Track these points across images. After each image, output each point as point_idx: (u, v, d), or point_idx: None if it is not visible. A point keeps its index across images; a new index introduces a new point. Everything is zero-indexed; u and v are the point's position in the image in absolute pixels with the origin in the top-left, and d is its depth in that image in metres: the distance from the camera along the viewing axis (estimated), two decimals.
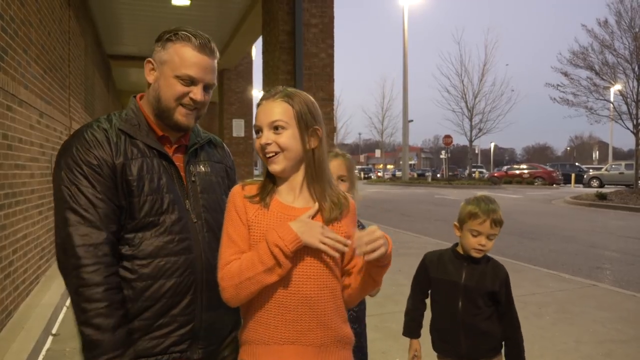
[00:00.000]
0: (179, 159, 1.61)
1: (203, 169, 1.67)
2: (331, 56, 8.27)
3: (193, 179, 1.62)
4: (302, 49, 7.91)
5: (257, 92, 24.23)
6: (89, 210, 1.43)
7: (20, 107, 4.49)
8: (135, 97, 1.66)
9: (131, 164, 1.50)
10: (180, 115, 1.56)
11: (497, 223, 2.13)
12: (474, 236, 2.14)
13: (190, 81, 1.54)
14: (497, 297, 2.20)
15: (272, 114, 1.43)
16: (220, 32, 12.44)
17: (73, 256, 1.41)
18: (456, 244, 2.30)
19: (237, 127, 16.42)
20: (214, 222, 1.61)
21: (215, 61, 1.62)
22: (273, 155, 1.43)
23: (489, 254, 2.25)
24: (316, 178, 1.47)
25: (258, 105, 1.49)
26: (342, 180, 2.11)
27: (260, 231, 1.42)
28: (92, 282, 1.39)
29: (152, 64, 1.59)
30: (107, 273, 1.42)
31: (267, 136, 1.43)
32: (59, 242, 1.44)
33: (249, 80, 16.59)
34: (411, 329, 2.34)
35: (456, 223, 2.25)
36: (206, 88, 1.59)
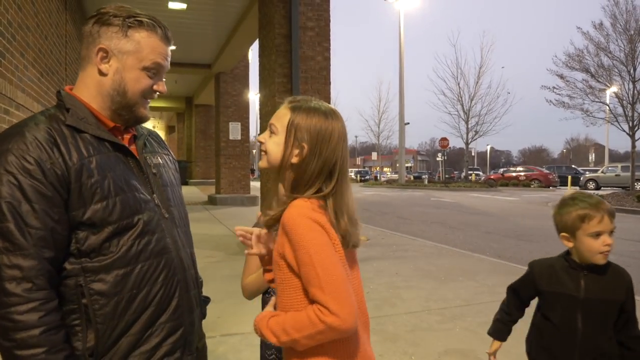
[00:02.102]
0: (134, 151, 1.46)
1: (159, 160, 1.56)
2: (327, 59, 8.30)
3: (154, 170, 1.50)
4: (298, 52, 7.93)
5: (253, 95, 24.27)
6: (22, 233, 1.19)
7: (17, 110, 4.49)
8: (61, 90, 1.45)
9: (90, 164, 1.30)
10: (143, 109, 1.46)
11: (613, 214, 1.91)
12: (597, 238, 1.89)
13: (155, 72, 1.44)
14: (625, 307, 1.96)
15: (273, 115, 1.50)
16: (217, 35, 12.47)
17: (1, 292, 1.17)
18: (567, 252, 2.06)
19: (234, 130, 16.43)
20: (180, 216, 1.54)
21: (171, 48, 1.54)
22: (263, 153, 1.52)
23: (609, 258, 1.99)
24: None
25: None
26: None
27: None
28: (26, 324, 1.17)
29: (107, 52, 1.38)
30: (44, 312, 1.19)
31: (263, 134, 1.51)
32: None
33: (245, 84, 16.61)
34: (500, 332, 2.27)
35: (564, 234, 2.01)
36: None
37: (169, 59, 1.50)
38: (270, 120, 1.48)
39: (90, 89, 1.41)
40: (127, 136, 1.48)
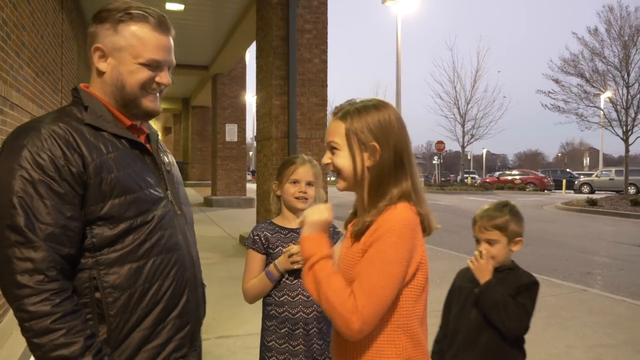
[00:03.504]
0: (150, 148, 1.48)
1: (168, 159, 1.58)
2: (325, 62, 8.31)
3: (167, 168, 1.52)
4: (295, 55, 7.94)
5: (250, 97, 24.26)
6: (33, 228, 1.19)
7: (12, 110, 4.47)
8: (78, 88, 1.45)
9: (109, 160, 1.31)
10: (148, 102, 1.43)
11: (492, 225, 2.04)
12: (478, 245, 2.12)
13: (156, 65, 1.41)
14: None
15: (327, 133, 1.44)
16: (214, 36, 12.47)
17: (14, 285, 1.18)
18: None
19: (230, 132, 16.42)
20: (188, 214, 1.56)
21: (172, 37, 1.47)
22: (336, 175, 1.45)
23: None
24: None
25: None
26: (309, 185, 2.15)
27: None
28: (40, 314, 1.17)
29: (103, 51, 1.39)
30: (58, 300, 1.19)
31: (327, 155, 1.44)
32: None
33: (242, 85, 16.61)
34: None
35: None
36: (169, 69, 1.47)
37: (169, 49, 1.44)
38: (327, 138, 1.43)
39: (99, 88, 1.42)
40: (142, 136, 1.49)
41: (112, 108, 1.41)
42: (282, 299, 2.06)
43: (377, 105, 1.41)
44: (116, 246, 1.31)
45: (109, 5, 1.40)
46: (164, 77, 1.44)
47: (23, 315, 1.18)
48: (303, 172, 2.14)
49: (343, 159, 1.39)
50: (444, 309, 2.20)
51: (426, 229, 1.39)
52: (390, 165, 1.38)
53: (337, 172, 1.42)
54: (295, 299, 2.06)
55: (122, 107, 1.42)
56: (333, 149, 1.41)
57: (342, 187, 1.44)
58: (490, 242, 2.03)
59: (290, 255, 1.99)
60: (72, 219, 1.25)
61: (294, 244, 2.07)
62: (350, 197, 1.44)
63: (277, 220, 2.19)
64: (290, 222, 2.15)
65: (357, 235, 1.38)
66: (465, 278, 2.16)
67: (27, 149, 1.24)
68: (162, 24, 1.41)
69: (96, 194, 1.28)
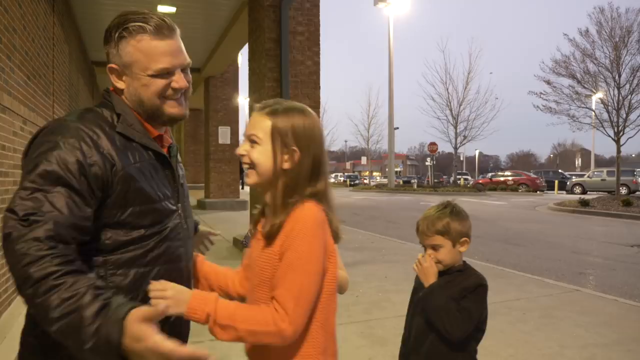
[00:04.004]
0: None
1: (182, 171, 1.60)
2: (317, 64, 8.32)
3: (182, 181, 1.55)
4: (288, 57, 7.94)
5: (243, 100, 24.23)
6: (43, 209, 1.19)
7: (3, 113, 4.45)
8: (108, 90, 1.45)
9: (136, 170, 1.34)
10: (171, 108, 1.43)
11: (436, 230, 1.99)
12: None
13: (167, 72, 1.40)
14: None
15: (251, 126, 1.44)
16: (207, 39, 12.45)
17: (16, 252, 1.15)
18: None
19: (223, 135, 16.38)
20: (191, 228, 1.59)
21: (179, 36, 1.44)
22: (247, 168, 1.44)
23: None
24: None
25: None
26: None
27: None
28: (36, 277, 1.14)
29: (117, 70, 1.41)
30: (57, 264, 1.15)
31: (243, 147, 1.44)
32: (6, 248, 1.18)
33: (235, 88, 16.58)
34: None
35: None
36: (184, 70, 1.45)
37: (176, 51, 1.41)
38: (247, 130, 1.43)
39: (125, 98, 1.44)
40: (165, 148, 1.50)
41: (140, 117, 1.44)
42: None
43: (304, 111, 1.45)
44: (127, 250, 1.33)
45: (110, 23, 1.41)
46: (180, 81, 1.42)
47: (19, 280, 1.16)
48: None
49: (262, 155, 1.40)
50: (407, 310, 2.17)
51: (335, 237, 1.43)
52: (307, 171, 1.41)
53: (252, 165, 1.42)
54: None
55: (148, 118, 1.44)
56: (253, 142, 1.41)
57: (253, 181, 1.43)
58: (434, 248, 1.99)
59: None
60: (83, 219, 1.24)
61: None
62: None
63: None
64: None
65: (269, 237, 1.39)
66: (418, 280, 2.13)
67: (60, 145, 1.25)
68: (161, 29, 1.38)
69: (119, 201, 1.31)
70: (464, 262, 2.05)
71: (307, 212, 1.35)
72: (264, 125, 1.41)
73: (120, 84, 1.42)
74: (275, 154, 1.40)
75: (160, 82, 1.39)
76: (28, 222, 1.17)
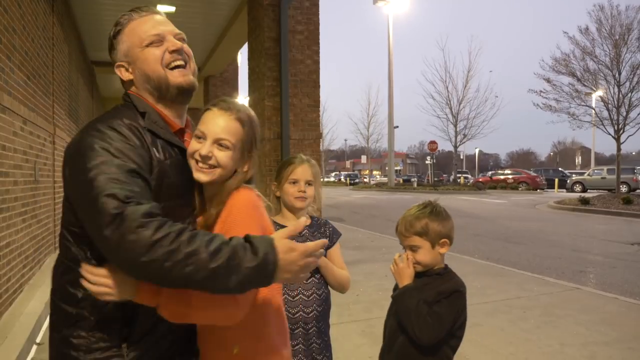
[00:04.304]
0: None
1: None
2: (317, 63, 8.32)
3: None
4: (287, 56, 7.94)
5: (242, 99, 24.24)
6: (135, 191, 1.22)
7: (3, 113, 4.45)
8: (127, 93, 1.49)
9: (167, 166, 1.39)
10: (176, 78, 1.45)
11: (413, 231, 1.94)
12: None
13: (160, 39, 1.45)
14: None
15: (220, 129, 1.45)
16: (206, 38, 12.45)
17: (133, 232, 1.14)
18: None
19: None
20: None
21: (163, 15, 1.54)
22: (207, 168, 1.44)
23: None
24: None
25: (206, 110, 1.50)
26: (308, 184, 2.17)
27: None
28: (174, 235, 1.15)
29: (122, 65, 1.48)
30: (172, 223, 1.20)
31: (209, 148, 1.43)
32: (111, 237, 1.15)
33: (234, 87, 16.58)
34: None
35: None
36: (177, 38, 1.49)
37: (161, 22, 1.49)
38: (218, 133, 1.42)
39: (141, 92, 1.48)
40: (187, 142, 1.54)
41: (159, 109, 1.47)
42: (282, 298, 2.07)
43: (255, 118, 1.54)
44: None
45: (111, 30, 1.51)
46: (174, 43, 1.46)
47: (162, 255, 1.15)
48: (302, 171, 2.16)
49: (231, 160, 1.45)
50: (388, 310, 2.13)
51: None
52: (253, 174, 1.54)
53: (214, 166, 1.43)
54: (295, 299, 2.10)
55: (160, 98, 1.46)
56: (222, 145, 1.43)
57: (209, 179, 1.43)
58: (412, 249, 1.94)
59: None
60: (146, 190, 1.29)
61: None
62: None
63: (277, 219, 2.20)
64: (290, 221, 2.17)
65: (208, 228, 1.43)
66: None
67: (103, 144, 1.28)
68: (142, 10, 1.48)
69: (154, 196, 1.32)
70: (446, 265, 2.00)
71: (242, 197, 1.42)
72: (237, 132, 1.45)
73: (128, 75, 1.47)
74: (241, 161, 1.48)
75: (156, 50, 1.44)
76: (132, 202, 1.19)
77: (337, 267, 2.21)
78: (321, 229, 2.25)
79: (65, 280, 1.37)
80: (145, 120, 1.41)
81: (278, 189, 2.21)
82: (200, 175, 1.42)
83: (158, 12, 1.52)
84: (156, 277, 1.17)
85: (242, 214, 1.38)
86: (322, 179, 7.94)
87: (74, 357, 1.34)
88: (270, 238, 1.25)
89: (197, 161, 1.43)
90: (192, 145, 1.44)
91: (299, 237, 2.13)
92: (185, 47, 1.50)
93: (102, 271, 1.26)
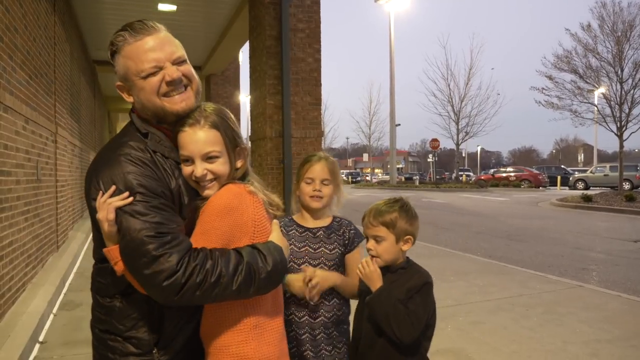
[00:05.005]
0: None
1: None
2: (318, 61, 8.31)
3: None
4: (289, 54, 7.93)
5: (244, 97, 24.24)
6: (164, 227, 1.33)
7: (5, 113, 4.45)
8: (133, 113, 1.53)
9: (181, 187, 1.45)
10: (173, 105, 1.44)
11: (381, 222, 1.92)
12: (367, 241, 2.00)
13: (157, 69, 1.41)
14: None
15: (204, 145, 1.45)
16: (207, 37, 12.44)
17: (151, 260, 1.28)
18: None
19: None
20: None
21: (162, 33, 1.46)
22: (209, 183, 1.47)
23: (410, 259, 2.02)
24: None
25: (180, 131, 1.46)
26: (324, 184, 2.07)
27: None
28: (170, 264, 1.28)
29: (122, 85, 1.50)
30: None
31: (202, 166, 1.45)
32: (146, 272, 1.29)
33: (236, 86, 16.56)
34: None
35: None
36: (176, 63, 1.45)
37: (157, 46, 1.43)
38: (203, 148, 1.43)
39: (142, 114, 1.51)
40: None
41: (163, 128, 1.49)
42: (289, 300, 2.01)
43: (222, 108, 1.53)
44: None
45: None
46: (172, 73, 1.42)
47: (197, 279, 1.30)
48: (317, 170, 2.07)
49: (224, 166, 1.47)
50: (355, 311, 2.10)
51: (270, 206, 1.54)
52: (246, 167, 1.56)
53: (214, 179, 1.46)
54: (302, 301, 2.00)
55: (160, 122, 1.49)
56: (211, 157, 1.44)
57: (217, 189, 1.46)
58: (376, 239, 1.92)
59: (308, 282, 1.89)
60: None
61: (308, 265, 2.01)
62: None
63: (296, 218, 2.16)
64: (307, 221, 2.12)
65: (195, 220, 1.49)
66: None
67: (127, 171, 1.36)
68: (135, 30, 1.42)
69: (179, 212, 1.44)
70: (408, 258, 1.99)
71: (217, 198, 1.42)
72: (215, 138, 1.45)
73: (129, 98, 1.50)
74: (232, 160, 1.49)
75: (153, 81, 1.41)
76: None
77: (354, 276, 2.03)
78: (340, 230, 2.11)
79: (96, 288, 1.52)
80: (149, 141, 1.45)
81: (297, 188, 2.13)
82: (209, 192, 1.46)
83: (154, 30, 1.45)
84: (190, 302, 1.34)
85: (208, 217, 1.40)
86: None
87: (109, 358, 1.45)
88: (272, 244, 1.43)
89: (197, 182, 1.46)
90: (185, 170, 1.45)
91: (313, 238, 2.08)
92: (185, 69, 1.47)
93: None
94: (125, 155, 1.38)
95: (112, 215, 1.32)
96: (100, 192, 1.35)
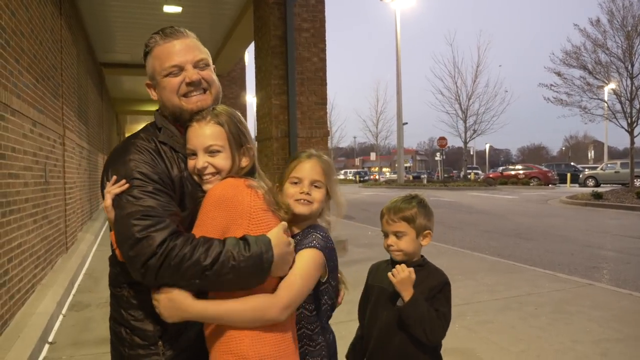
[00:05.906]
0: None
1: None
2: (323, 60, 8.30)
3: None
4: (294, 54, 7.93)
5: (250, 98, 24.28)
6: (153, 211, 1.38)
7: (12, 116, 4.48)
8: (157, 111, 1.67)
9: (186, 177, 1.52)
10: (190, 104, 1.55)
11: (401, 218, 1.96)
12: (386, 238, 2.02)
13: (179, 69, 1.55)
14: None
15: (205, 138, 1.51)
16: (213, 38, 12.47)
17: (137, 243, 1.33)
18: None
19: None
20: None
21: (190, 39, 1.60)
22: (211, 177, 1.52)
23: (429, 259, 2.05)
24: None
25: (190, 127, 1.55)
26: (315, 186, 1.67)
27: None
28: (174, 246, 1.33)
29: (149, 83, 1.64)
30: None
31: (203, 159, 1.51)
32: (131, 254, 1.34)
33: (242, 86, 16.58)
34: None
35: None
36: (198, 66, 1.57)
37: (183, 50, 1.55)
38: (205, 142, 1.49)
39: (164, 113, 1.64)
40: None
41: (179, 126, 1.59)
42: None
43: (233, 110, 1.58)
44: None
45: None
46: (191, 75, 1.55)
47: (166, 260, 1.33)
48: (307, 168, 1.67)
49: (226, 161, 1.51)
50: (359, 310, 2.11)
51: (269, 198, 1.51)
52: (251, 166, 1.58)
53: (215, 172, 1.51)
54: (298, 311, 1.64)
55: (177, 121, 1.59)
56: (214, 152, 1.50)
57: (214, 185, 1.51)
58: (397, 235, 1.96)
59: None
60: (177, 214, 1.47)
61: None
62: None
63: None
64: (291, 228, 1.65)
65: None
66: (375, 277, 2.10)
67: (130, 158, 1.46)
68: (166, 34, 1.57)
69: (179, 203, 1.50)
70: (423, 256, 2.04)
71: (214, 190, 1.45)
72: (219, 134, 1.51)
73: (154, 96, 1.63)
74: (235, 157, 1.52)
75: (174, 81, 1.54)
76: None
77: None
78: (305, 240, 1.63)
79: (110, 278, 1.59)
80: (161, 134, 1.56)
81: (279, 190, 1.69)
82: (208, 186, 1.50)
83: (182, 35, 1.58)
84: (170, 285, 1.37)
85: (204, 207, 1.43)
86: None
87: (119, 351, 1.53)
88: (267, 239, 1.40)
89: (199, 176, 1.52)
90: (189, 163, 1.53)
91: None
92: (205, 73, 1.58)
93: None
94: (133, 145, 1.50)
95: (108, 202, 1.42)
96: (108, 182, 1.46)
